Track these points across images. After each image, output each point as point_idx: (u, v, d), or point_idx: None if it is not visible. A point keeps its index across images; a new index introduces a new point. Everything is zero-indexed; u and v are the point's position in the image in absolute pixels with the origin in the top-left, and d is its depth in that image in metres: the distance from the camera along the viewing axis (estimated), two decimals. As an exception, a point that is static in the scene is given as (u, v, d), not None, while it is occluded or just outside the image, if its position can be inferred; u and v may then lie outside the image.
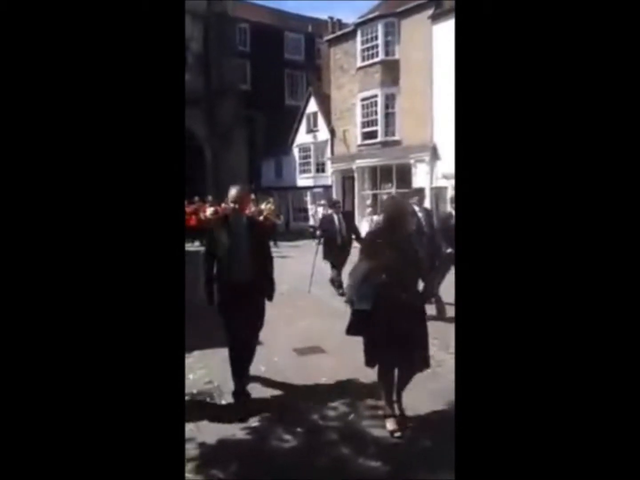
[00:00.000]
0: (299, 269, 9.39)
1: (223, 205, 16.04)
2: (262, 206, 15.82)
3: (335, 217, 8.29)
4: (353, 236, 8.06)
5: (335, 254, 8.03)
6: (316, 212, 20.43)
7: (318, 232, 8.79)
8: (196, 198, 17.89)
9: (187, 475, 2.83)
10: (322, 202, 19.82)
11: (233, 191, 3.78)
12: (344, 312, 3.76)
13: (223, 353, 5.04)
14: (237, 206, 3.81)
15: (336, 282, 8.09)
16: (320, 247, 8.40)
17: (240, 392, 3.81)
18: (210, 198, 18.48)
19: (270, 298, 3.94)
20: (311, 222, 21.05)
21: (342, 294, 7.45)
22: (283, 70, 29.00)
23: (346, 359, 4.34)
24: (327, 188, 21.66)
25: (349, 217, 9.26)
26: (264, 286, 3.86)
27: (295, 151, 24.50)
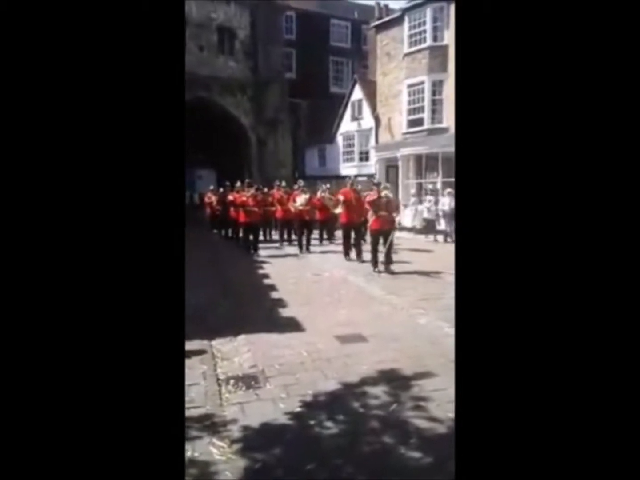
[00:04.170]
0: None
1: (320, 193, 13.41)
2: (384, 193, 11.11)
3: None
4: None
5: None
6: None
7: None
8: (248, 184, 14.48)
9: (232, 456, 2.90)
10: (449, 190, 14.98)
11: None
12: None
13: (268, 338, 5.16)
14: None
15: None
16: None
17: None
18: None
19: None
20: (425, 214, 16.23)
21: None
22: (328, 58, 28.84)
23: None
24: (371, 177, 21.50)
25: None
26: None
27: (339, 139, 24.40)
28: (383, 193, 9.13)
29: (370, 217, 9.39)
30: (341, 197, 10.88)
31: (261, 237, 13.82)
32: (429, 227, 15.42)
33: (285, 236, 14.07)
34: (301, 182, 14.06)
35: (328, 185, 14.76)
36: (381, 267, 9.05)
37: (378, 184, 9.64)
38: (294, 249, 12.70)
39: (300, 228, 12.64)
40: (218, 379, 4.07)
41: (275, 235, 14.72)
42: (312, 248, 12.51)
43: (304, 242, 12.35)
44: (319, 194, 13.50)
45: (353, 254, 10.74)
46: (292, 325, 5.61)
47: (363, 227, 11.08)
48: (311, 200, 12.81)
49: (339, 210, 12.58)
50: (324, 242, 13.95)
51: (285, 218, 13.63)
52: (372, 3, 23.88)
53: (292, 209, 12.79)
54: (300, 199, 12.58)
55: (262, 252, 12.03)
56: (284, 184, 15.11)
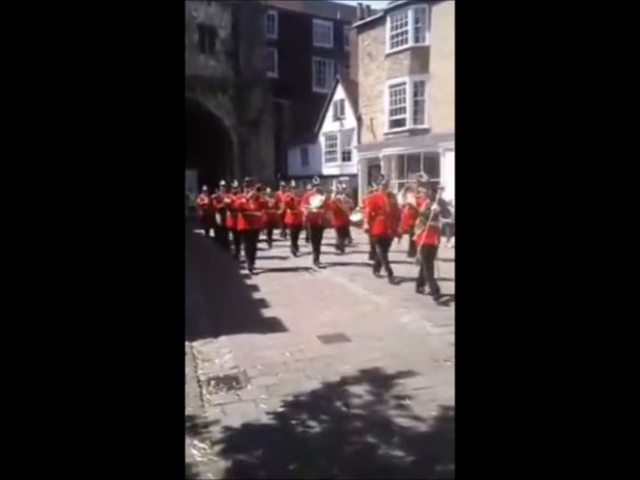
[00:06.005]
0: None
1: (335, 195, 11.51)
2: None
3: None
4: None
5: None
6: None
7: None
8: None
9: (214, 458, 2.87)
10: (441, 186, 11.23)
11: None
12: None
13: (249, 338, 5.12)
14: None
15: None
16: None
17: None
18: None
19: None
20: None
21: None
22: (311, 58, 28.86)
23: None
24: (353, 177, 21.54)
25: None
26: None
27: (322, 139, 24.41)
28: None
29: (418, 229, 6.90)
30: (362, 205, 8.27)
31: (265, 245, 12.07)
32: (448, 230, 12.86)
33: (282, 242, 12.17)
34: (317, 180, 11.59)
35: (345, 186, 13.15)
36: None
37: (434, 186, 6.98)
38: (300, 260, 10.62)
39: (313, 235, 10.39)
40: (199, 380, 4.03)
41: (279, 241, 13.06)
42: (329, 258, 10.33)
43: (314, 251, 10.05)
44: (332, 195, 11.59)
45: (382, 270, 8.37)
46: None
47: (394, 240, 8.70)
48: (327, 203, 10.85)
49: (356, 217, 10.69)
50: (338, 250, 11.69)
51: (295, 223, 11.33)
52: (355, 4, 23.95)
53: (305, 212, 10.72)
54: (315, 201, 10.42)
55: (265, 264, 9.80)
56: (293, 184, 12.98)
